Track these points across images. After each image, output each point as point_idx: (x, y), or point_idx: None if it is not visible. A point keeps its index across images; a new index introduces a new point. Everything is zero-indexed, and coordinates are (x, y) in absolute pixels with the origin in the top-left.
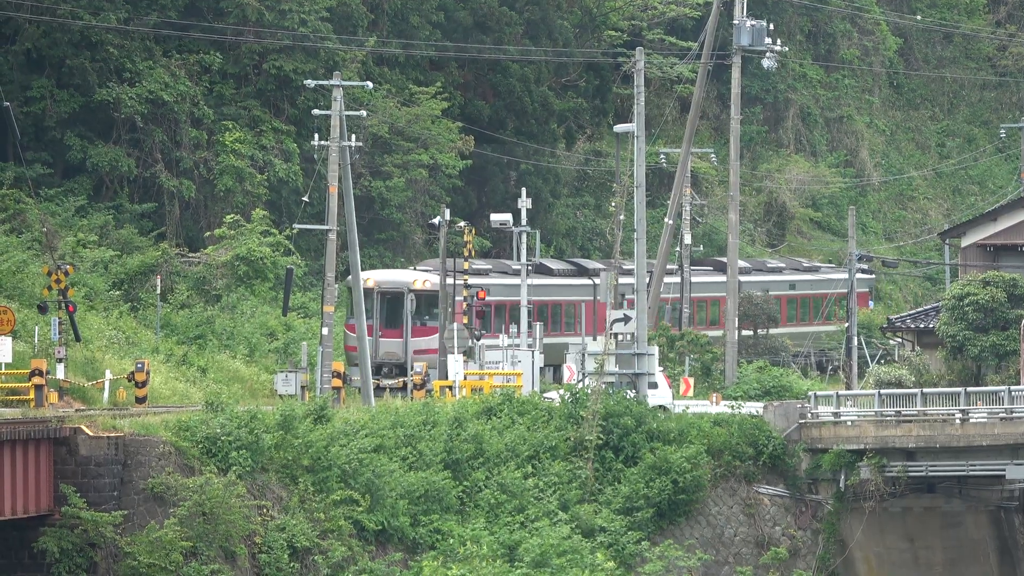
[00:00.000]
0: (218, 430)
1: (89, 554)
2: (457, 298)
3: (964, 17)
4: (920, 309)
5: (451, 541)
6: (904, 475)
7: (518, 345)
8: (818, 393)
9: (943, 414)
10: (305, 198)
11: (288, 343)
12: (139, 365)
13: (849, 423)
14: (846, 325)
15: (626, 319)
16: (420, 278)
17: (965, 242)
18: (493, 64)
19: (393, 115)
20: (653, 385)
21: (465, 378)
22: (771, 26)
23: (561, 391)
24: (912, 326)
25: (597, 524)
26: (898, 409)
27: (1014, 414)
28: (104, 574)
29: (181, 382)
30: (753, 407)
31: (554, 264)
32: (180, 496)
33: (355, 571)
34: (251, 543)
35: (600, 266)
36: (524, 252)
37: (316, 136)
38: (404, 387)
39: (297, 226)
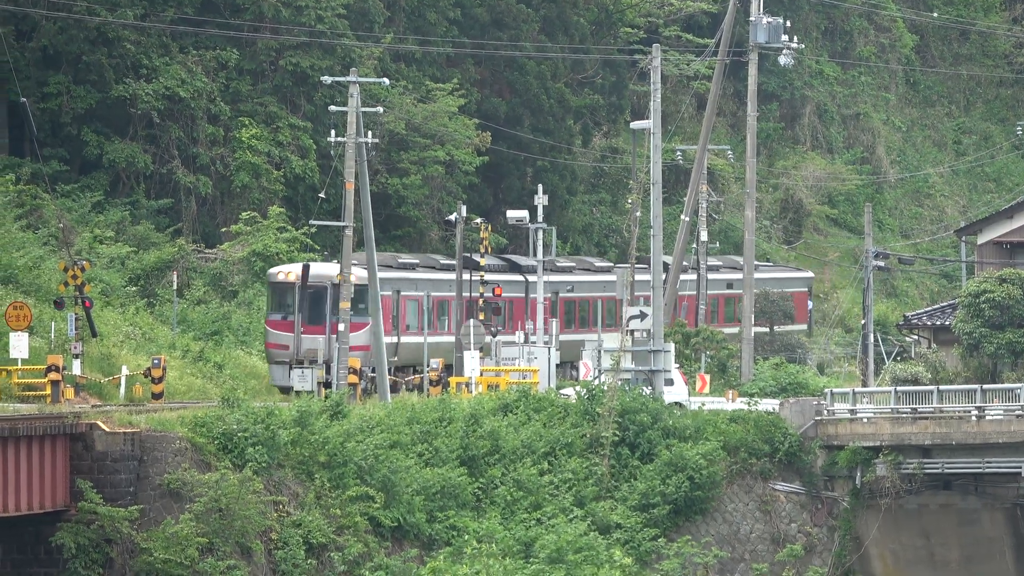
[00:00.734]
0: (234, 426)
1: (105, 550)
2: (384, 293)
3: (980, 14)
4: (936, 306)
5: (467, 537)
6: (920, 472)
7: (534, 342)
8: (834, 390)
9: (959, 411)
10: (322, 194)
11: None
12: (155, 361)
13: (865, 420)
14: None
15: (642, 316)
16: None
17: (981, 239)
18: (510, 61)
19: (410, 112)
20: (669, 382)
21: (481, 374)
22: (788, 23)
23: (577, 387)
24: (928, 323)
25: (613, 521)
26: (914, 406)
27: None
28: (120, 570)
29: (197, 378)
30: (769, 404)
31: (443, 259)
32: (196, 492)
33: (371, 567)
34: (267, 539)
35: (532, 262)
36: (540, 249)
37: (333, 132)
38: (329, 385)
39: (314, 222)
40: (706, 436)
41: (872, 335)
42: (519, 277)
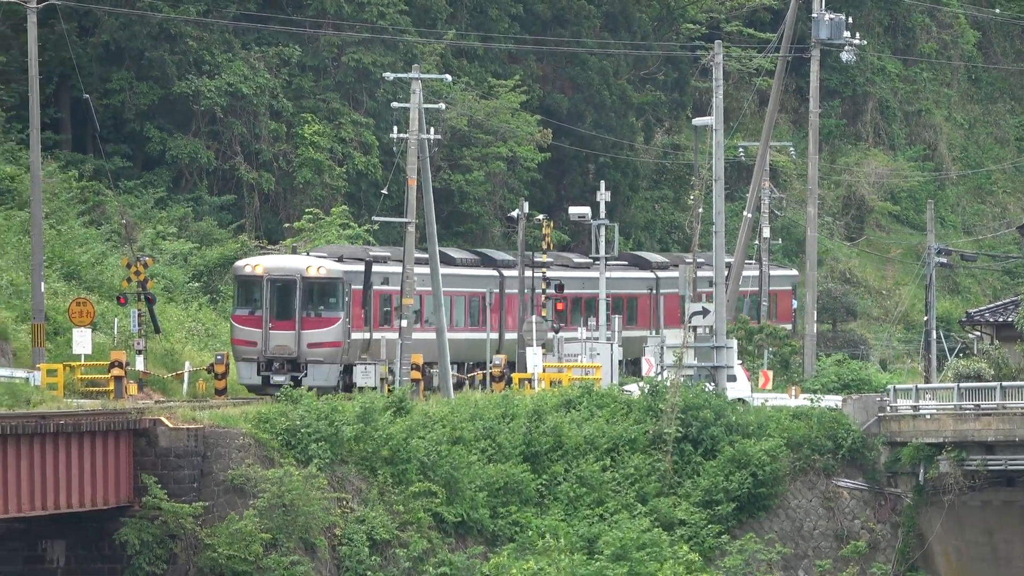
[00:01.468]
0: (297, 422)
1: (169, 545)
2: (354, 287)
3: None
4: (999, 303)
5: (530, 533)
6: (983, 469)
7: (596, 338)
8: (897, 387)
9: (1022, 408)
10: (384, 191)
11: None
12: (219, 357)
13: (928, 417)
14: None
15: (705, 312)
16: (314, 264)
17: None
18: (572, 57)
19: (472, 108)
20: (732, 378)
21: (544, 370)
22: (850, 19)
23: (640, 384)
24: (991, 320)
25: (676, 517)
26: (977, 403)
27: None
28: (184, 566)
29: None
30: (832, 400)
31: (456, 254)
32: (260, 488)
33: (435, 563)
34: (331, 535)
35: (508, 257)
36: (603, 246)
37: (395, 129)
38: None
39: (376, 219)
40: (769, 432)
41: (935, 332)
42: (492, 272)
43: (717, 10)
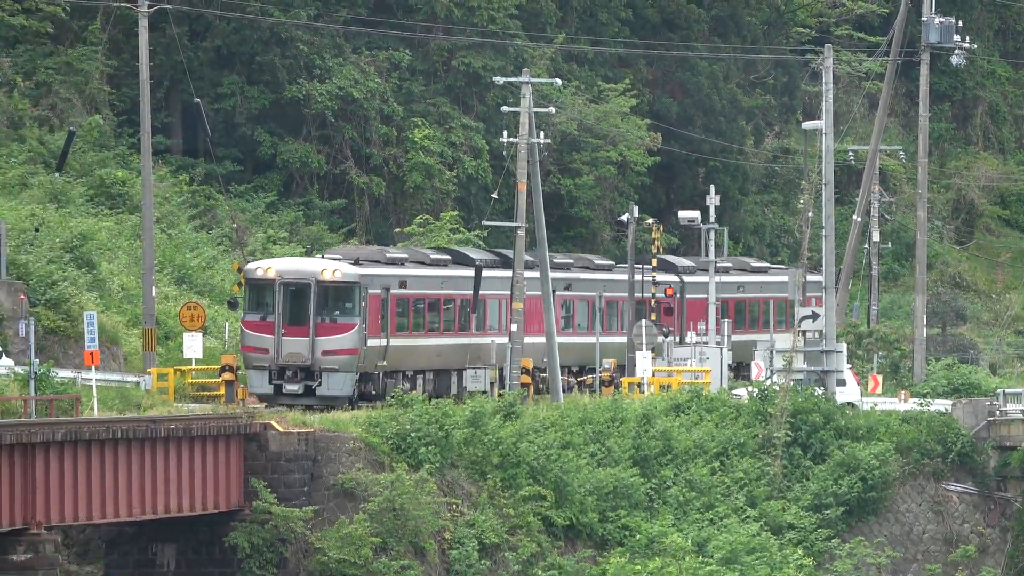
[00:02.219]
0: (407, 426)
1: (279, 549)
2: (371, 291)
3: None
4: None
5: (639, 537)
6: None
7: (706, 342)
8: (1007, 391)
9: None
10: (494, 195)
11: None
12: None
13: None
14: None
15: (814, 316)
16: (329, 267)
17: None
18: (681, 61)
19: (582, 112)
20: (841, 382)
21: (654, 375)
22: (960, 23)
23: (749, 388)
24: None
25: (785, 521)
26: None
27: None
28: (294, 569)
29: None
30: (941, 404)
31: (475, 254)
32: (370, 492)
33: (544, 567)
34: (440, 539)
35: (528, 258)
36: (712, 249)
37: (505, 133)
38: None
39: (486, 223)
40: (878, 437)
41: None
42: (468, 273)
43: (827, 14)
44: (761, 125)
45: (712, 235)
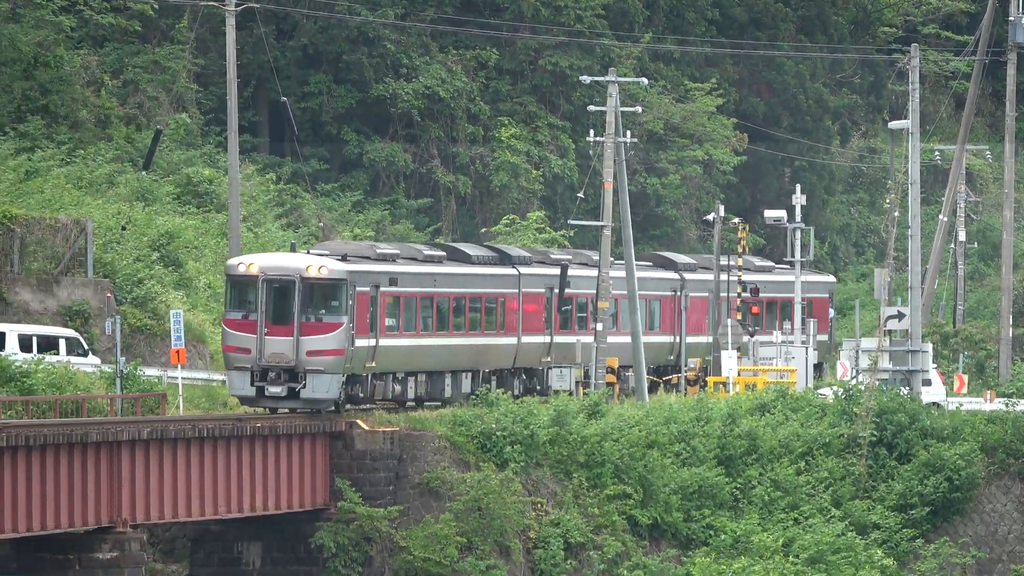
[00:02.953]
0: (493, 425)
1: (364, 548)
2: (359, 288)
3: None
4: None
5: (724, 537)
6: None
7: (791, 341)
8: None
9: None
10: (580, 194)
11: None
12: None
13: None
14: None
15: (900, 316)
16: (315, 264)
17: None
18: (768, 60)
19: (668, 111)
20: (927, 382)
21: (739, 374)
22: None
23: (834, 387)
24: None
25: (871, 521)
26: None
27: None
28: (379, 568)
29: None
30: None
31: (472, 250)
32: (456, 491)
33: (629, 567)
34: (525, 538)
35: (525, 253)
36: (798, 249)
37: (591, 132)
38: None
39: (572, 222)
40: (964, 437)
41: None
42: (511, 271)
43: (913, 13)
44: (847, 124)
45: (798, 235)
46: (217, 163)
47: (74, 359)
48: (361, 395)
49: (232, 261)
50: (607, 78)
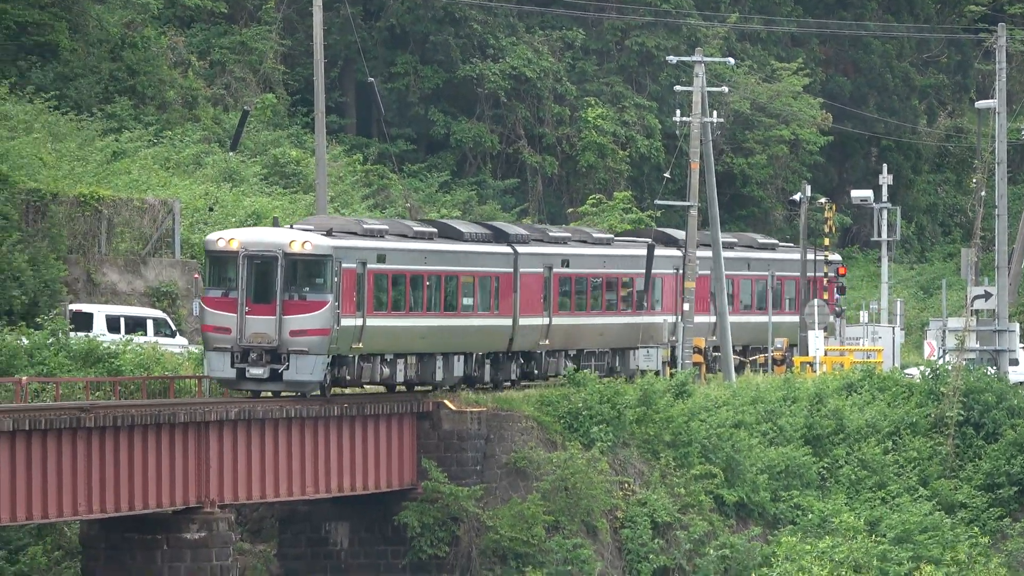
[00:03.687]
0: (580, 404)
1: (451, 528)
2: (345, 264)
3: None
4: None
5: (811, 517)
6: None
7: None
8: None
9: None
10: (666, 174)
11: None
12: None
13: None
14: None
15: (987, 295)
16: (298, 239)
17: None
18: (854, 40)
19: (754, 91)
20: (1014, 362)
21: (826, 354)
22: None
23: (921, 367)
24: None
25: (958, 500)
26: None
27: None
28: (466, 548)
29: None
30: None
31: (465, 227)
32: (543, 470)
33: (716, 546)
34: (612, 518)
35: (522, 231)
36: (885, 229)
37: (678, 112)
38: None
39: (658, 202)
40: None
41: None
42: (505, 249)
43: None
44: (934, 104)
45: (885, 215)
46: (304, 144)
47: (161, 340)
48: (348, 377)
49: (211, 236)
50: (693, 58)
